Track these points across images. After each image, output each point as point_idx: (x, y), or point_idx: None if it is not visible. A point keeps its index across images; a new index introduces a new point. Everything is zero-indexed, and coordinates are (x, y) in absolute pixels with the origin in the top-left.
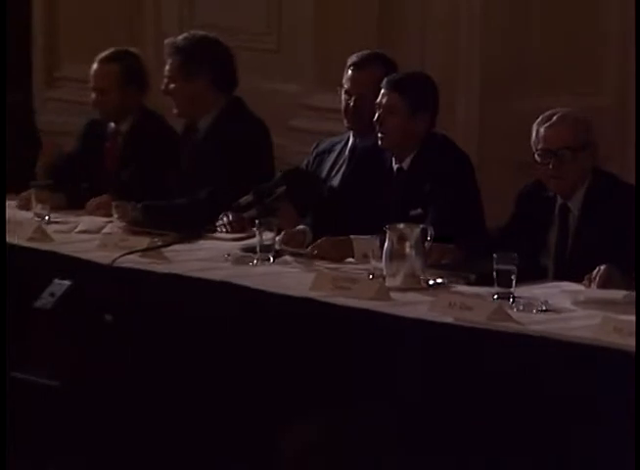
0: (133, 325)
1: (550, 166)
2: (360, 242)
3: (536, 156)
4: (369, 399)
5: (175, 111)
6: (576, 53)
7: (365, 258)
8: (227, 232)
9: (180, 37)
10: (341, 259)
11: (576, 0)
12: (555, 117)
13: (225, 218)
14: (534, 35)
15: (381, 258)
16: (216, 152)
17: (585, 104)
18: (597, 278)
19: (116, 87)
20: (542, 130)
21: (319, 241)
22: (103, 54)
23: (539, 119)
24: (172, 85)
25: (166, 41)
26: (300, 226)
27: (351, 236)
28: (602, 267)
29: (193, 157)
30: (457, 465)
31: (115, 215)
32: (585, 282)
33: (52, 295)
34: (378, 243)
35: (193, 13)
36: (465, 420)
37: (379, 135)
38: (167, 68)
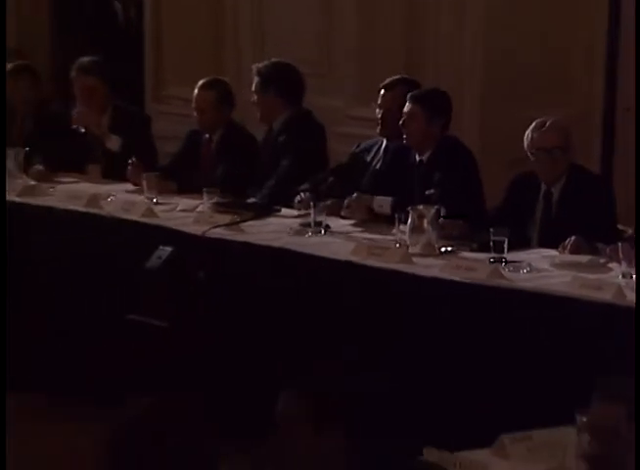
0: (219, 280)
1: (543, 162)
2: (378, 199)
3: (530, 154)
4: (393, 337)
5: (258, 116)
6: (554, 76)
7: (380, 207)
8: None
9: (262, 64)
10: (366, 213)
11: (554, 34)
12: (547, 125)
13: (298, 197)
14: (522, 63)
15: (394, 217)
16: (286, 146)
17: (559, 114)
18: (569, 246)
19: (212, 108)
20: (537, 134)
21: (354, 197)
22: (202, 81)
23: (533, 126)
24: (255, 98)
25: (253, 66)
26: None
27: (375, 196)
28: (572, 238)
29: (269, 150)
30: (465, 392)
31: (206, 198)
32: (560, 249)
33: (159, 258)
34: (389, 201)
35: (262, 47)
36: (467, 355)
37: (404, 136)
38: (253, 85)
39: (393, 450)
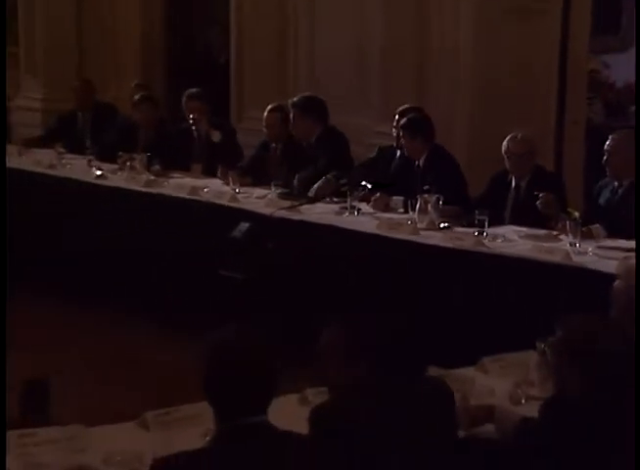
0: (282, 246)
1: (515, 163)
2: (394, 199)
3: (506, 157)
4: (407, 288)
5: (297, 135)
6: (522, 100)
7: (395, 205)
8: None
9: (296, 98)
10: (385, 207)
11: (522, 70)
12: (519, 137)
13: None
14: (500, 91)
15: (404, 208)
16: (321, 151)
17: (526, 128)
18: (542, 198)
19: (278, 126)
20: (512, 143)
21: (377, 196)
22: (270, 106)
23: (508, 138)
24: (294, 123)
25: (289, 100)
26: (377, 194)
27: (392, 196)
28: (545, 194)
29: (312, 156)
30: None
31: (273, 189)
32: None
33: (240, 231)
34: (401, 201)
35: (312, 79)
36: (458, 300)
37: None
38: (291, 115)
39: (406, 370)
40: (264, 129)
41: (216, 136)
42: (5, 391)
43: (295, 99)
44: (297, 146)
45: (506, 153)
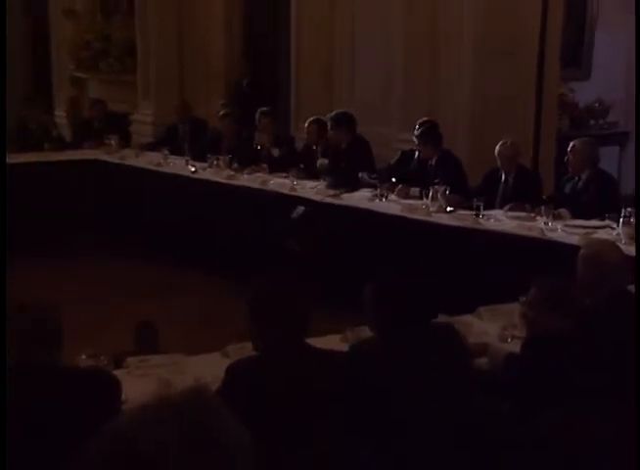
0: (329, 224)
1: (504, 163)
2: (412, 190)
3: (498, 158)
4: (423, 254)
5: (332, 144)
6: (510, 115)
7: (414, 194)
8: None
9: (332, 113)
10: (406, 196)
11: (511, 91)
12: (508, 143)
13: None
14: (494, 107)
15: (420, 196)
16: (353, 153)
17: (512, 137)
18: (509, 206)
19: (315, 134)
20: (502, 148)
21: (400, 187)
22: (310, 119)
23: (500, 143)
24: (332, 132)
25: (327, 115)
26: (399, 186)
27: (411, 188)
28: (512, 204)
29: (345, 157)
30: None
31: (322, 181)
32: (506, 208)
33: (297, 213)
34: (418, 191)
35: (352, 95)
36: (459, 263)
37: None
38: (328, 126)
39: (421, 317)
40: (306, 136)
41: (276, 152)
42: (5, 389)
43: (331, 114)
44: (333, 149)
45: (498, 154)
